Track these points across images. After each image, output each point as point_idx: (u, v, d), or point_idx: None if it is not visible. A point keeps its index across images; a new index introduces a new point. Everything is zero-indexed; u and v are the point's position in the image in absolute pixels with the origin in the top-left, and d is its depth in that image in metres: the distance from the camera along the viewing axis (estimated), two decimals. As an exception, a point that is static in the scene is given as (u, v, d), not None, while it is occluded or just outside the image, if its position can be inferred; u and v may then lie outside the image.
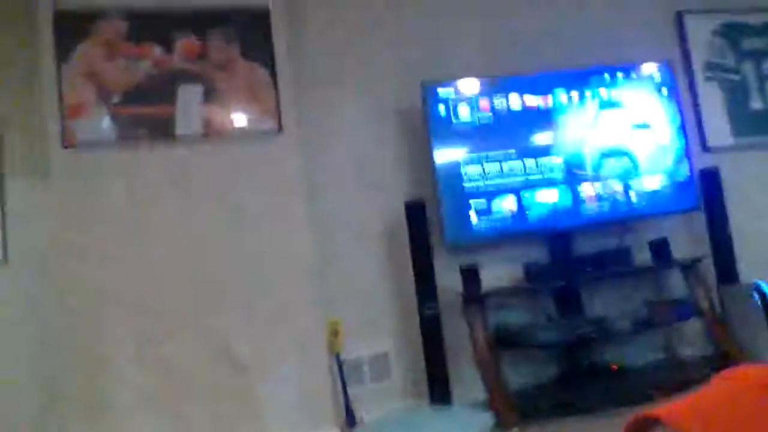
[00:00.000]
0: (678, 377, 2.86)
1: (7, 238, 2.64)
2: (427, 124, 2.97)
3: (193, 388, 2.56)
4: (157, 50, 2.70)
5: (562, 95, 3.14)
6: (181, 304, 2.60)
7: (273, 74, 2.82)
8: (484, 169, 3.01)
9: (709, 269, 3.14)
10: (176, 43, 2.72)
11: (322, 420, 2.67)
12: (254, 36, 2.80)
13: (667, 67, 3.29)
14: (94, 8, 2.67)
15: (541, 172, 3.07)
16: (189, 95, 2.72)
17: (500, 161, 3.03)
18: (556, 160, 3.09)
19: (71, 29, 2.62)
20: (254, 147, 2.78)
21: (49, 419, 2.49)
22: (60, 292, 2.52)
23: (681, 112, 3.28)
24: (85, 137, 2.60)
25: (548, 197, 3.05)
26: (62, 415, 2.46)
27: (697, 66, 3.59)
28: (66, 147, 2.57)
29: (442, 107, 2.99)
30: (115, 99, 2.65)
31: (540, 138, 3.09)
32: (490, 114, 3.05)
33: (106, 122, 2.64)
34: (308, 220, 2.80)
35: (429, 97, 2.98)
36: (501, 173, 3.02)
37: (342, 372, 2.82)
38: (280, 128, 2.79)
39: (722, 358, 2.87)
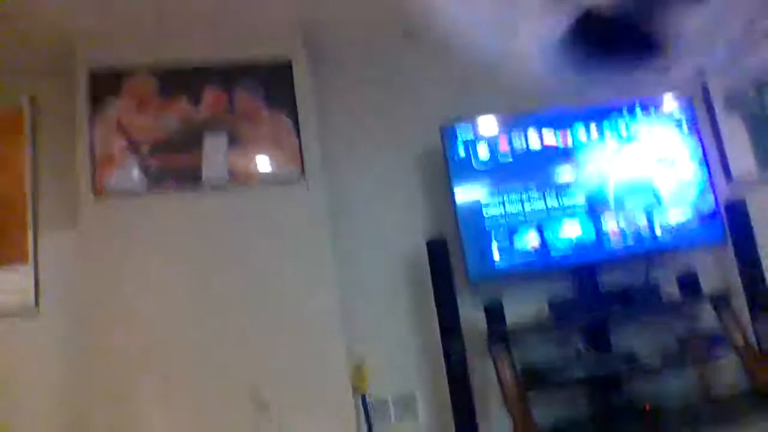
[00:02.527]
0: (714, 415, 2.76)
1: (40, 286, 2.72)
2: (447, 164, 3.01)
3: (216, 427, 2.56)
4: (184, 103, 2.81)
5: (581, 131, 3.17)
6: (206, 351, 2.61)
7: (296, 122, 2.90)
8: (505, 207, 3.02)
9: (740, 302, 3.07)
10: (203, 95, 2.84)
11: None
12: (278, 85, 2.90)
13: (686, 101, 3.30)
14: (125, 65, 2.80)
15: (563, 208, 3.07)
16: (215, 144, 2.81)
17: (522, 200, 3.04)
18: (577, 196, 3.09)
19: (105, 85, 2.75)
20: (278, 193, 2.84)
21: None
22: (88, 341, 2.56)
23: (703, 145, 3.27)
24: (114, 186, 2.69)
25: (571, 232, 3.04)
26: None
27: (717, 99, 3.59)
28: (96, 196, 2.67)
29: (461, 147, 3.04)
30: (145, 150, 2.75)
31: (561, 174, 3.10)
32: (509, 151, 3.08)
33: (135, 172, 2.73)
34: (332, 262, 2.82)
35: (448, 137, 3.03)
36: (522, 210, 3.03)
37: (368, 414, 2.79)
38: (303, 174, 2.86)
39: (759, 396, 2.77)
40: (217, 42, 2.88)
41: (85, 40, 2.76)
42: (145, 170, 2.74)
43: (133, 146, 2.74)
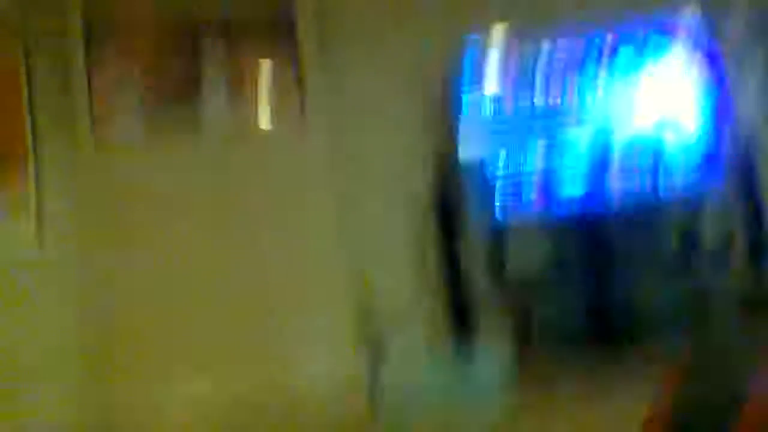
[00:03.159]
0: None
1: (43, 236, 2.71)
2: (453, 113, 2.96)
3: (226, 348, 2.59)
4: (184, 50, 2.76)
5: (590, 70, 3.07)
6: (211, 296, 2.64)
7: (297, 65, 2.84)
8: (510, 157, 2.99)
9: (742, 251, 3.07)
10: (202, 40, 2.78)
11: (346, 364, 2.66)
12: (280, 34, 2.84)
13: (698, 53, 3.22)
14: (124, 12, 2.74)
15: (568, 161, 3.04)
16: (214, 92, 2.77)
17: (528, 150, 3.01)
18: (584, 149, 3.05)
19: (102, 33, 2.69)
20: (278, 139, 2.81)
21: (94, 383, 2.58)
22: (93, 289, 2.59)
23: (712, 98, 3.20)
24: (114, 137, 2.67)
25: (576, 185, 3.03)
26: (105, 378, 2.55)
27: (729, 53, 3.50)
28: (96, 146, 2.65)
29: (466, 96, 2.99)
30: (144, 99, 2.71)
31: (569, 127, 3.05)
32: (515, 102, 3.03)
33: (135, 122, 2.70)
34: (334, 206, 2.80)
35: (454, 86, 2.98)
36: (528, 161, 3.01)
37: (366, 321, 2.77)
38: (306, 124, 2.82)
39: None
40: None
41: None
42: (145, 120, 2.71)
43: (133, 95, 2.70)
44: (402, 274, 2.97)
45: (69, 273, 2.68)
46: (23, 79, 2.75)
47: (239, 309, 2.65)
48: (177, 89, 2.74)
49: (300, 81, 2.84)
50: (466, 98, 2.98)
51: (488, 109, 3.01)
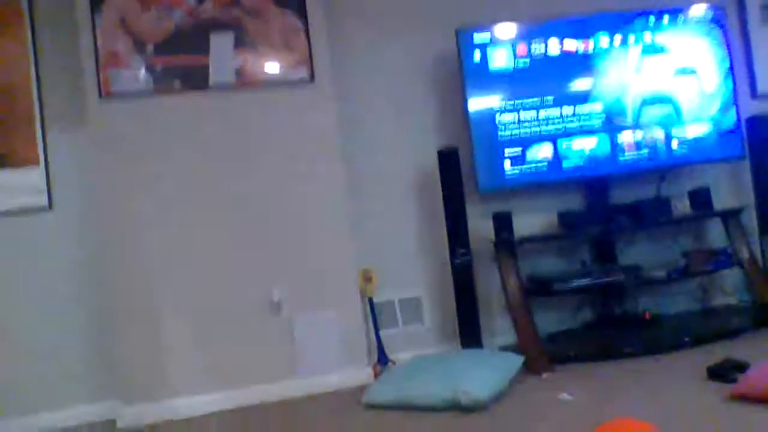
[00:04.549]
0: (713, 326, 2.82)
1: (51, 184, 2.73)
2: (462, 71, 2.91)
3: (231, 326, 2.67)
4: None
5: (603, 39, 3.03)
6: (216, 251, 2.68)
7: (305, 21, 2.79)
8: (519, 116, 2.95)
9: (752, 219, 3.06)
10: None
11: (355, 359, 2.75)
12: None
13: (718, 8, 3.13)
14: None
15: (579, 120, 2.99)
16: (221, 44, 2.72)
17: (537, 108, 2.96)
18: (595, 107, 3.00)
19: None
20: (287, 95, 2.78)
21: (104, 328, 2.66)
22: (102, 238, 2.62)
23: (731, 56, 3.13)
24: (120, 86, 2.64)
25: (586, 145, 2.99)
26: (114, 324, 2.61)
27: (752, 7, 3.40)
28: (102, 96, 2.63)
29: (477, 53, 2.92)
30: (149, 48, 2.67)
31: (579, 84, 3.00)
32: (527, 59, 2.97)
33: (141, 71, 2.67)
34: (342, 168, 2.81)
35: (464, 43, 2.91)
36: (537, 121, 2.96)
37: (374, 315, 2.88)
38: (313, 76, 2.78)
39: (761, 309, 2.81)
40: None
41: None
42: (151, 70, 2.67)
43: (138, 44, 2.66)
44: (408, 244, 3.02)
45: (77, 224, 2.72)
46: (28, 28, 2.72)
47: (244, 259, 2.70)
48: (183, 38, 2.69)
49: (307, 26, 2.78)
50: (476, 57, 2.92)
51: (499, 65, 2.95)
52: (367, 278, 2.87)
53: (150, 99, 2.68)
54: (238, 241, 2.70)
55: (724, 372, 2.14)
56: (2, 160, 2.69)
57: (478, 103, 2.91)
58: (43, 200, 2.70)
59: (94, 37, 2.63)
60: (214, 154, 2.71)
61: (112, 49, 2.64)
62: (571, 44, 3.00)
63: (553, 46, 2.99)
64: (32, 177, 2.71)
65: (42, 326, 2.69)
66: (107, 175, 2.63)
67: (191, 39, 2.70)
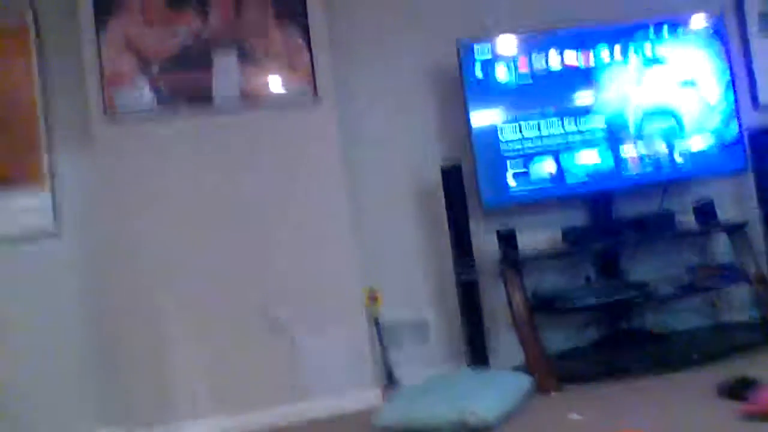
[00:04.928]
0: (722, 343, 2.80)
1: (57, 207, 2.71)
2: (463, 85, 2.91)
3: (235, 347, 2.65)
4: (193, 16, 2.70)
5: (604, 52, 3.03)
6: (221, 269, 2.67)
7: (307, 37, 2.79)
8: (522, 130, 2.95)
9: (757, 233, 3.04)
10: (211, 7, 2.72)
11: (362, 380, 2.73)
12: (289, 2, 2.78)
13: (717, 20, 3.13)
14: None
15: (582, 133, 2.99)
16: (225, 61, 2.73)
17: (539, 122, 2.96)
18: (597, 121, 3.00)
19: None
20: (290, 112, 2.78)
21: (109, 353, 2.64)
22: (108, 260, 2.62)
23: (731, 68, 3.13)
24: (125, 105, 2.65)
25: (589, 159, 2.98)
26: (116, 358, 2.60)
27: (751, 17, 3.40)
28: (107, 114, 2.63)
29: (478, 66, 2.92)
30: (154, 67, 2.67)
31: (580, 97, 2.99)
32: (529, 73, 2.97)
33: (145, 90, 2.68)
34: (345, 185, 2.81)
35: (465, 56, 2.91)
36: (539, 135, 2.95)
37: (381, 336, 2.86)
38: (316, 93, 2.78)
39: (769, 324, 2.80)
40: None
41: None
42: (155, 89, 2.68)
43: (142, 63, 2.66)
44: (412, 262, 3.00)
45: (82, 246, 2.70)
46: (33, 47, 2.72)
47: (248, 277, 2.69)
48: (187, 56, 2.69)
49: (309, 43, 2.78)
50: (478, 72, 2.92)
51: (501, 80, 2.95)
52: (373, 297, 2.85)
53: (154, 117, 2.68)
54: (241, 260, 2.69)
55: (734, 390, 2.12)
56: (7, 181, 2.68)
57: (480, 117, 2.91)
58: (49, 222, 2.69)
59: (99, 55, 2.63)
60: (218, 172, 2.71)
61: (117, 68, 2.65)
62: (572, 56, 3.00)
63: (554, 59, 2.99)
64: (37, 198, 2.69)
65: (46, 352, 2.66)
66: (112, 194, 2.63)
67: (195, 57, 2.70)
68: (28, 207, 2.68)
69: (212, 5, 2.72)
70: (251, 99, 2.74)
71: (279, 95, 2.79)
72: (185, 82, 2.70)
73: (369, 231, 2.92)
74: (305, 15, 2.79)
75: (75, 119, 2.72)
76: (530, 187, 2.93)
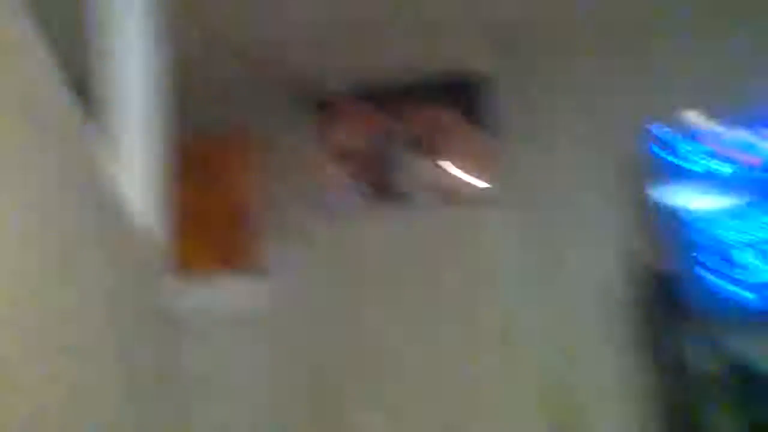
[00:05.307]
0: None
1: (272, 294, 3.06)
2: (654, 172, 2.64)
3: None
4: (390, 121, 3.00)
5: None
6: (419, 368, 2.72)
7: (494, 137, 2.87)
8: (735, 221, 2.52)
9: None
10: (405, 113, 2.98)
11: None
12: (477, 101, 2.92)
13: None
14: (340, 90, 3.08)
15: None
16: (416, 163, 2.93)
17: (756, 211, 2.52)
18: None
19: (325, 112, 3.07)
20: (474, 212, 2.84)
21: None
22: (319, 348, 2.85)
23: None
24: (337, 207, 2.98)
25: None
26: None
27: None
28: (323, 216, 2.98)
29: (672, 151, 2.64)
30: (359, 170, 2.99)
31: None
32: (729, 160, 2.58)
33: (353, 192, 2.98)
34: (534, 287, 2.73)
35: (655, 142, 2.65)
36: (756, 225, 2.50)
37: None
38: (499, 191, 2.82)
39: None
40: (414, 57, 3.00)
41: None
42: (361, 190, 2.97)
43: (350, 167, 3.00)
44: (599, 377, 2.70)
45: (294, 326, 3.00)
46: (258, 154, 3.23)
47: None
48: (386, 157, 2.96)
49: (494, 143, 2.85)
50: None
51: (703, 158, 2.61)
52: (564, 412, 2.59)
53: (363, 217, 2.95)
54: (439, 354, 2.70)
55: None
56: (235, 267, 3.14)
57: (681, 207, 2.57)
58: (265, 304, 3.06)
59: (316, 162, 3.04)
60: (416, 270, 2.83)
61: (330, 173, 3.02)
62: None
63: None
64: (257, 283, 3.09)
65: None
66: (326, 283, 2.89)
67: (393, 159, 2.96)
68: (249, 291, 3.10)
69: (408, 109, 2.98)
70: (445, 198, 2.87)
71: (471, 195, 2.87)
72: (386, 183, 2.94)
73: (556, 336, 2.72)
74: (494, 116, 2.88)
75: (293, 216, 3.11)
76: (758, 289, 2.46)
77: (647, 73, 2.90)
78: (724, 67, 2.79)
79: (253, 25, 2.74)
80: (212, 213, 3.11)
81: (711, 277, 2.51)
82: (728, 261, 2.51)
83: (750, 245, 2.51)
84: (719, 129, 2.63)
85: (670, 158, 2.65)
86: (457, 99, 2.94)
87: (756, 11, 2.74)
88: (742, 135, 2.61)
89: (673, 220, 2.58)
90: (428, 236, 2.86)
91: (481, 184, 2.87)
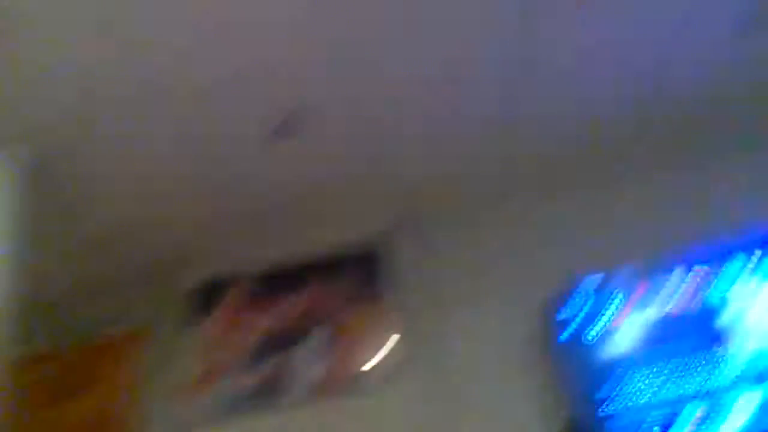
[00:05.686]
0: None
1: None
2: (554, 349, 2.57)
3: None
4: (276, 306, 2.78)
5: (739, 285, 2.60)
6: None
7: (390, 312, 2.70)
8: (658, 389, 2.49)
9: None
10: (291, 297, 2.76)
11: None
12: (368, 278, 2.77)
13: None
14: (225, 275, 2.81)
15: (728, 385, 2.47)
16: (303, 351, 2.68)
17: (670, 375, 2.51)
18: (740, 365, 2.50)
19: (204, 300, 2.77)
20: (373, 396, 2.63)
21: None
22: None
23: None
24: (215, 405, 2.66)
25: (744, 408, 2.43)
26: None
27: None
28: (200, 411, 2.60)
29: (575, 314, 2.59)
30: (238, 361, 2.68)
31: (719, 339, 2.53)
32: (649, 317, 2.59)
33: (227, 389, 2.68)
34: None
35: (560, 306, 2.61)
36: (671, 385, 2.49)
37: None
38: (399, 371, 2.63)
39: None
40: (307, 239, 2.81)
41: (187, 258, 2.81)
42: (237, 387, 2.65)
43: (228, 358, 2.69)
44: None
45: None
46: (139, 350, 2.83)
47: None
48: (267, 346, 2.69)
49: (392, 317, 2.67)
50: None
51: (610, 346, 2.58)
52: None
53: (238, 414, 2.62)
54: None
55: None
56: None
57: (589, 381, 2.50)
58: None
59: (191, 356, 2.70)
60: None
61: (206, 367, 2.69)
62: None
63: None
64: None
65: None
66: None
67: (274, 348, 2.69)
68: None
69: (293, 293, 2.76)
70: (333, 384, 2.63)
71: (362, 377, 2.66)
72: (264, 377, 2.66)
73: None
74: (391, 287, 2.73)
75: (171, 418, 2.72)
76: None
77: (550, 236, 2.92)
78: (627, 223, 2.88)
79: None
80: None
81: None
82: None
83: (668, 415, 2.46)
84: (627, 285, 2.64)
85: (574, 322, 2.60)
86: (354, 272, 2.75)
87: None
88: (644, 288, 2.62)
89: (581, 378, 2.50)
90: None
91: (378, 365, 2.65)
